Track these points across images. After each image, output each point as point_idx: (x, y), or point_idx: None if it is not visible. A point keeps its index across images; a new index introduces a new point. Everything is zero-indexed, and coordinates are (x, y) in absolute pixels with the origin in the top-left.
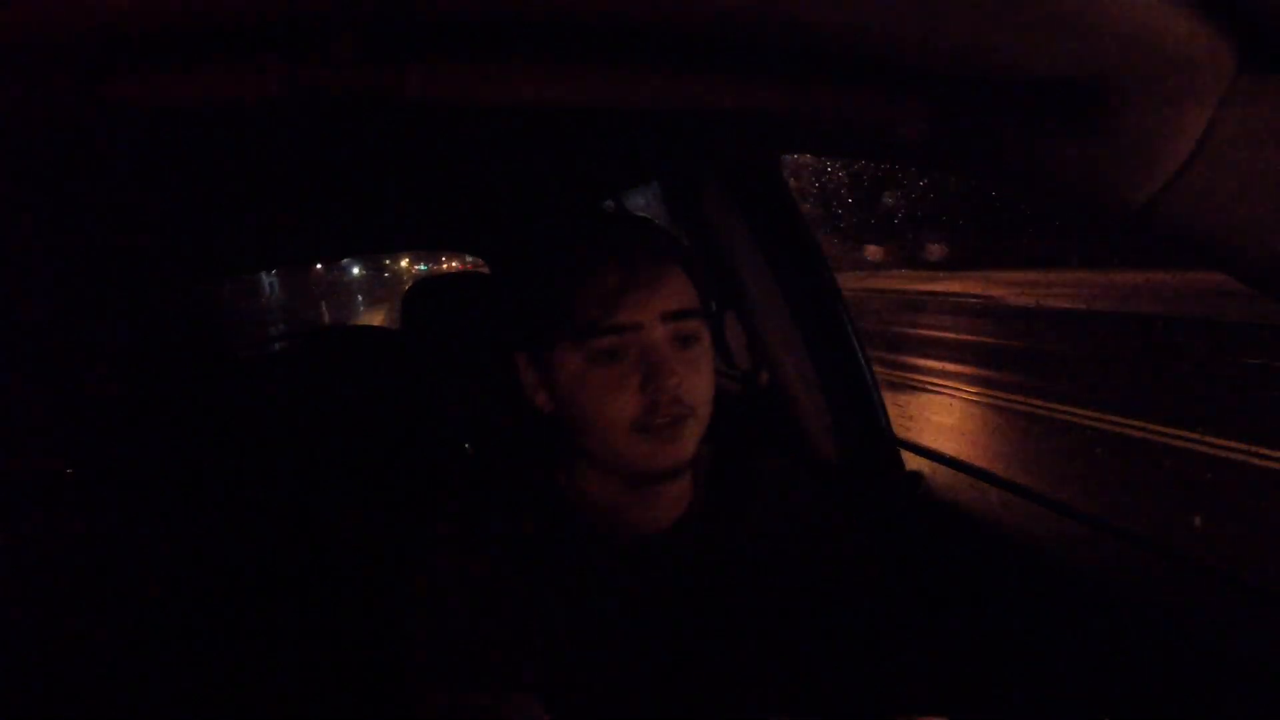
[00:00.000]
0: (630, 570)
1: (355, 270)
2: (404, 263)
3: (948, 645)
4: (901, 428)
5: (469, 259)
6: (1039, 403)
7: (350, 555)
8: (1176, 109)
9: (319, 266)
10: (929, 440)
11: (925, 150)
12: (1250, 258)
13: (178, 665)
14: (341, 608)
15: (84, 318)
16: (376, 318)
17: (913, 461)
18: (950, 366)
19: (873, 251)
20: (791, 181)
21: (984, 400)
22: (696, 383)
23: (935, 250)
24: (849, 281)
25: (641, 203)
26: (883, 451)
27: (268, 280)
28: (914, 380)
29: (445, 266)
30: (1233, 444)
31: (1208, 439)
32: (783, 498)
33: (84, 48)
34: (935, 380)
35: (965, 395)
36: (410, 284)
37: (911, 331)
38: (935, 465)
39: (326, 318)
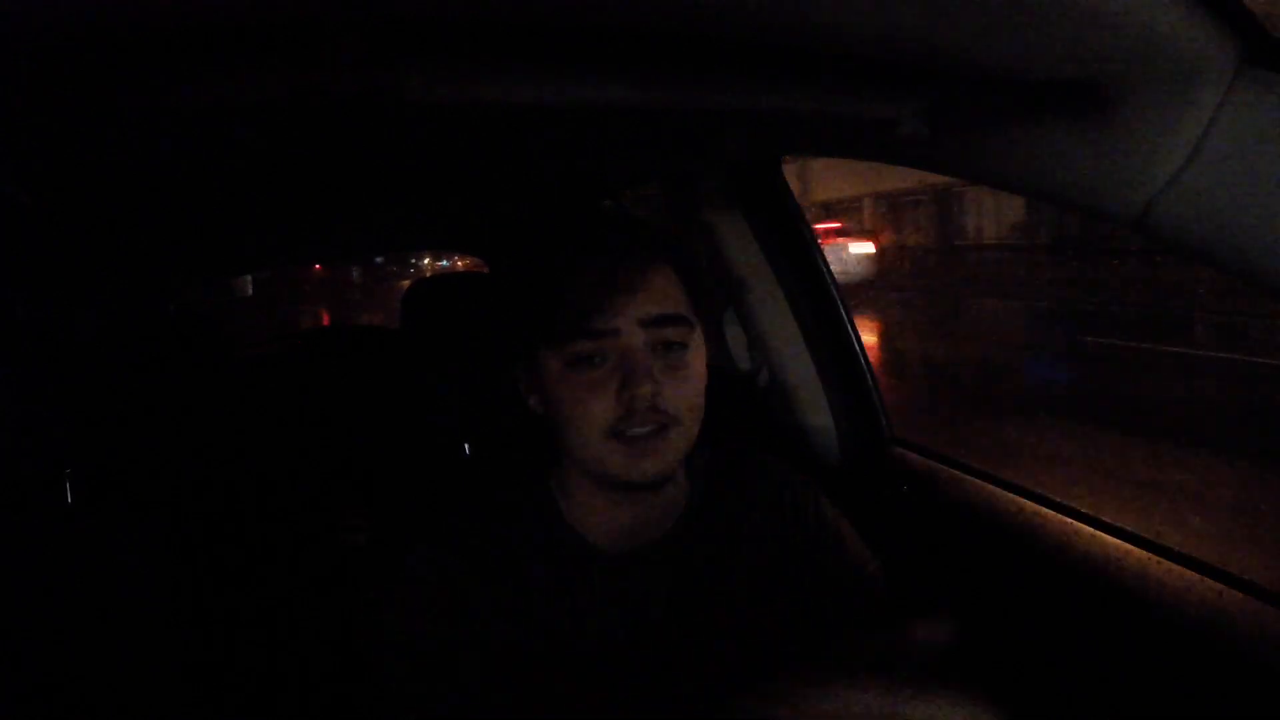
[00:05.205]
0: (622, 577)
1: (393, 268)
2: (426, 260)
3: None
4: None
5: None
6: None
7: (347, 556)
8: (1176, 109)
9: (379, 260)
10: None
11: (925, 150)
12: (1249, 258)
13: (174, 665)
14: (338, 608)
15: (85, 318)
16: (405, 282)
17: (913, 461)
18: None
19: None
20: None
21: None
22: (678, 391)
23: None
24: None
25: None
26: (882, 451)
27: (355, 270)
28: None
29: (459, 264)
30: None
31: None
32: (782, 499)
33: (86, 51)
34: None
35: None
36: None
37: None
38: (935, 465)
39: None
